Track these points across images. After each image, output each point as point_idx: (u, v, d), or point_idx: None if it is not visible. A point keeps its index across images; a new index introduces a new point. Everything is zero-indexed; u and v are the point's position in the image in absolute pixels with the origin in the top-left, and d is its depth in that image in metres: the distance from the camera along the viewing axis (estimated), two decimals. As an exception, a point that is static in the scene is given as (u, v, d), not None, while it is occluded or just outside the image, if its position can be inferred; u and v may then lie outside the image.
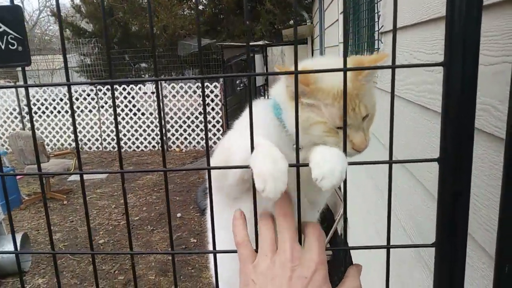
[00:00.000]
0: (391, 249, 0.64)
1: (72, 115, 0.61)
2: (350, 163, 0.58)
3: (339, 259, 3.38)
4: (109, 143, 9.32)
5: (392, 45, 0.54)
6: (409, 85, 1.17)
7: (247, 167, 0.58)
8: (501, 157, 0.62)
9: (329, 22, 3.86)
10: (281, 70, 0.61)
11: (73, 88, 9.31)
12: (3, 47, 0.60)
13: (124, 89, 8.90)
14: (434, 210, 0.64)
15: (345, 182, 0.60)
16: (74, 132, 0.63)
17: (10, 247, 3.98)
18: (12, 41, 0.59)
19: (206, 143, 0.62)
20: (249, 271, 0.56)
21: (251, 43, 8.47)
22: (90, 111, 9.25)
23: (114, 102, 0.62)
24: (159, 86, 8.87)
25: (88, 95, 9.14)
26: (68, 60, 12.19)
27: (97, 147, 9.42)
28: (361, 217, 2.38)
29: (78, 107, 9.28)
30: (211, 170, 0.70)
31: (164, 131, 9.04)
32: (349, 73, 0.60)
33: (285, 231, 0.58)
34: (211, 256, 0.68)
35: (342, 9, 2.62)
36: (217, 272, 0.64)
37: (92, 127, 9.27)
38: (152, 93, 9.10)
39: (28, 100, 0.63)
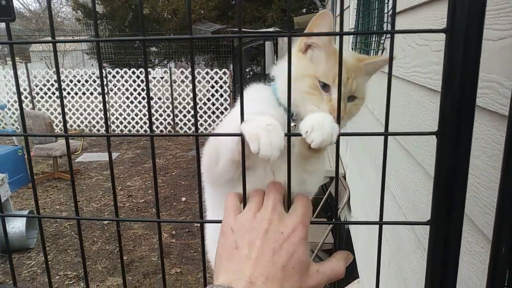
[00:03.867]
0: (389, 237, 0.62)
1: (100, 72, 0.60)
2: (347, 134, 0.56)
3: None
4: (117, 126, 9.36)
5: (392, 9, 0.51)
6: (416, 67, 1.13)
7: (239, 134, 0.56)
8: (502, 134, 0.59)
9: (340, 9, 3.78)
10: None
11: (81, 71, 9.34)
12: (-13, 1, 0.58)
13: (133, 72, 8.90)
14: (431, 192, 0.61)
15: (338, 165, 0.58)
16: (103, 99, 0.61)
17: (17, 224, 4.04)
18: (-3, -4, 0.57)
19: (195, 111, 0.60)
20: (230, 220, 0.58)
21: (261, 30, 8.39)
22: (100, 93, 9.28)
23: (145, 61, 0.60)
24: (169, 71, 8.87)
25: (98, 77, 9.16)
26: (79, 42, 12.22)
27: (106, 130, 9.46)
28: (363, 205, 2.35)
29: (87, 89, 9.32)
30: (204, 157, 0.69)
31: (172, 116, 9.07)
32: (352, 58, 0.68)
33: (271, 193, 0.59)
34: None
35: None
36: (203, 242, 0.63)
37: (101, 110, 9.31)
38: (161, 78, 9.09)
39: (13, 57, 0.61)
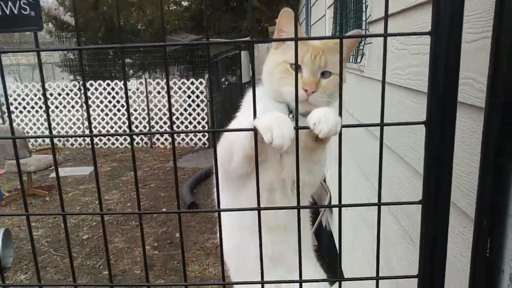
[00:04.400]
0: (375, 230, 0.69)
1: (84, 84, 0.64)
2: (349, 125, 0.63)
3: (324, 249, 3.45)
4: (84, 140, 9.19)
5: (384, 13, 0.59)
6: (395, 70, 1.23)
7: (252, 129, 0.62)
8: (481, 126, 0.67)
9: (316, 18, 3.92)
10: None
11: (54, 83, 9.16)
12: (15, 11, 0.62)
13: (108, 84, 8.81)
14: (415, 185, 0.69)
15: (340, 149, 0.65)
16: (87, 107, 0.65)
17: (-8, 242, 3.91)
18: (25, 6, 0.62)
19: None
20: None
21: (237, 39, 8.49)
22: (73, 106, 9.12)
23: (124, 69, 0.65)
24: (145, 82, 8.83)
25: (71, 90, 9.01)
26: (50, 54, 11.98)
27: (80, 144, 9.30)
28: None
29: (60, 103, 9.14)
30: (218, 154, 0.75)
31: (149, 127, 9.01)
32: (320, 42, 0.78)
33: None
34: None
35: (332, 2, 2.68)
36: (221, 231, 0.68)
37: (74, 123, 9.15)
38: (137, 89, 9.03)
39: (40, 64, 0.65)
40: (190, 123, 9.00)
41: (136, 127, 9.12)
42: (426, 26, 1.02)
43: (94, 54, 9.03)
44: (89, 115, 0.68)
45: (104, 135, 0.69)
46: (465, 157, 0.79)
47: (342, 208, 0.66)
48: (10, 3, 0.62)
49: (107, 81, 8.78)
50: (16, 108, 8.93)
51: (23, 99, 8.95)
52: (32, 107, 9.04)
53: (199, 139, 9.07)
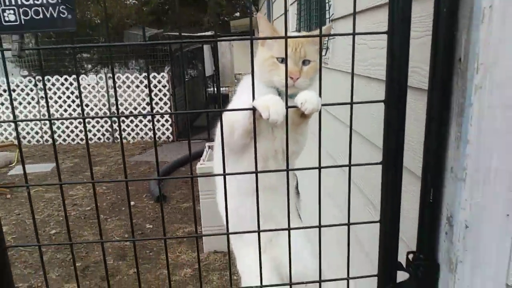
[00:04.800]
0: (342, 203, 0.88)
1: (43, 84, 0.77)
2: (327, 104, 0.81)
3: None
4: (50, 136, 8.93)
5: (353, 15, 0.77)
6: (357, 62, 1.43)
7: (252, 108, 0.79)
8: (425, 104, 0.87)
9: (278, 14, 4.10)
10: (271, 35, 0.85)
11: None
12: (55, 15, 0.75)
13: (66, 79, 8.59)
14: (372, 155, 0.88)
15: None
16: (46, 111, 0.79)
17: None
18: (63, 11, 0.75)
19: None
20: None
21: (199, 34, 8.54)
22: (29, 102, 8.82)
23: (113, 74, 0.79)
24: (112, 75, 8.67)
25: (26, 86, 8.71)
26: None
27: (37, 141, 9.02)
28: (312, 190, 2.65)
29: (15, 99, 8.80)
30: (222, 132, 0.90)
31: (110, 123, 8.88)
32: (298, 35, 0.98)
33: None
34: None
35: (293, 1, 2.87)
36: (226, 194, 0.83)
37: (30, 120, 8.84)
38: (96, 83, 8.86)
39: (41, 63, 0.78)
40: (153, 116, 8.96)
41: (97, 122, 8.96)
42: (380, 24, 1.22)
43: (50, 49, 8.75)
44: (47, 101, 0.82)
45: (64, 119, 0.82)
46: (414, 130, 1.00)
47: (309, 185, 0.85)
48: (50, 8, 0.75)
49: (64, 76, 8.57)
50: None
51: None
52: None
53: (163, 133, 9.06)
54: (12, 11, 0.74)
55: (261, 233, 0.85)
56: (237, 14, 10.63)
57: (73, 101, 8.77)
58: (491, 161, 0.78)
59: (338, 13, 1.72)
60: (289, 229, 0.84)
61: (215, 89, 10.15)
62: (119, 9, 8.27)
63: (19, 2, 0.74)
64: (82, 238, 4.52)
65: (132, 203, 5.49)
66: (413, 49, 0.81)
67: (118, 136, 8.97)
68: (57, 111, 8.84)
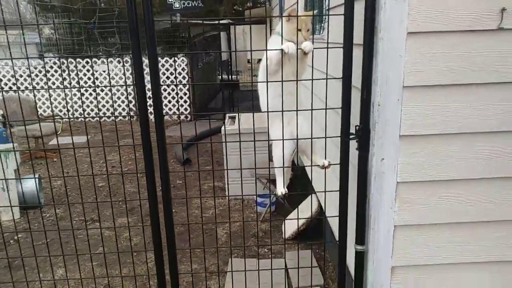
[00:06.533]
0: (330, 153, 1.81)
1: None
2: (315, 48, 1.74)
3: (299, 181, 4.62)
4: (80, 114, 9.93)
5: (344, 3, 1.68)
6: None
7: (281, 49, 1.72)
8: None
9: (288, 4, 4.96)
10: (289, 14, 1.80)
11: (34, 62, 9.79)
12: (195, 4, 1.68)
13: (95, 62, 9.54)
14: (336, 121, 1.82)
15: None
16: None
17: (30, 184, 4.82)
18: (199, 2, 1.68)
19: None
20: None
21: (217, 21, 9.43)
22: (61, 83, 9.80)
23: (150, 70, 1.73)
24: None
25: (60, 67, 9.68)
26: (36, 35, 12.41)
27: (69, 117, 10.01)
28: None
29: (49, 79, 9.79)
30: (263, 64, 1.83)
31: (134, 102, 9.83)
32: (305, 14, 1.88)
33: None
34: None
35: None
36: (267, 98, 1.77)
37: (63, 99, 9.85)
38: (123, 66, 9.80)
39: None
40: (173, 97, 9.92)
41: (123, 101, 9.93)
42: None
43: (79, 34, 9.70)
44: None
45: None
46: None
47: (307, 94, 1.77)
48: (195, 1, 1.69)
49: (94, 59, 9.53)
50: (25, 80, 9.50)
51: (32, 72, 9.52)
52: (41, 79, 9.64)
53: (182, 113, 10.01)
54: (177, 2, 1.69)
55: (284, 114, 1.79)
56: (249, 4, 11.50)
57: (101, 82, 9.72)
58: (391, 74, 1.70)
59: (332, 4, 2.61)
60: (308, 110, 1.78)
61: (228, 76, 11.03)
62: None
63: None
64: (125, 189, 5.49)
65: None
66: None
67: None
68: (86, 91, 9.82)
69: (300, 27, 1.83)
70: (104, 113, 9.99)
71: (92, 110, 9.97)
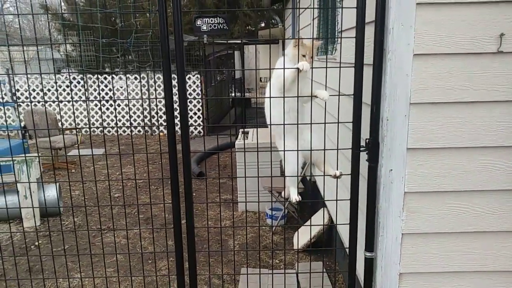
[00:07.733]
0: (339, 164, 1.97)
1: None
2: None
3: (308, 194, 4.74)
4: (97, 127, 10.23)
5: (355, 27, 1.86)
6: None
7: (296, 68, 1.89)
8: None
9: (303, 25, 5.18)
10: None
11: (62, 77, 10.16)
12: (221, 27, 1.87)
13: (112, 77, 9.87)
14: (347, 135, 1.98)
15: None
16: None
17: (51, 192, 5.01)
18: (224, 25, 1.87)
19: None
20: None
21: (230, 41, 9.74)
22: (80, 97, 10.14)
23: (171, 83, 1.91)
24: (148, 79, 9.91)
25: (79, 82, 10.03)
26: (55, 50, 12.89)
27: (86, 131, 10.31)
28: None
29: (68, 94, 10.14)
30: (273, 83, 2.01)
31: (149, 117, 10.10)
32: (310, 43, 2.09)
33: None
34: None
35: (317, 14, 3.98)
36: (270, 112, 1.94)
37: (81, 112, 10.16)
38: (139, 82, 10.10)
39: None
40: (188, 113, 10.15)
41: (138, 116, 10.20)
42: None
43: (96, 50, 10.08)
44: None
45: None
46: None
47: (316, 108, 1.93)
48: (220, 24, 1.87)
49: (111, 75, 9.86)
50: (45, 94, 9.88)
51: (52, 86, 9.88)
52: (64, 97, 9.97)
53: (195, 128, 10.24)
54: (204, 25, 1.88)
55: (293, 130, 1.96)
56: (262, 24, 11.84)
57: (110, 97, 10.02)
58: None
59: (344, 26, 2.79)
60: (307, 123, 1.94)
61: (241, 93, 11.27)
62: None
63: (207, 22, 1.87)
64: (140, 201, 5.66)
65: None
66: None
67: (156, 130, 10.20)
68: (99, 108, 10.13)
69: (305, 54, 2.03)
70: (120, 127, 10.26)
71: (108, 124, 10.25)
